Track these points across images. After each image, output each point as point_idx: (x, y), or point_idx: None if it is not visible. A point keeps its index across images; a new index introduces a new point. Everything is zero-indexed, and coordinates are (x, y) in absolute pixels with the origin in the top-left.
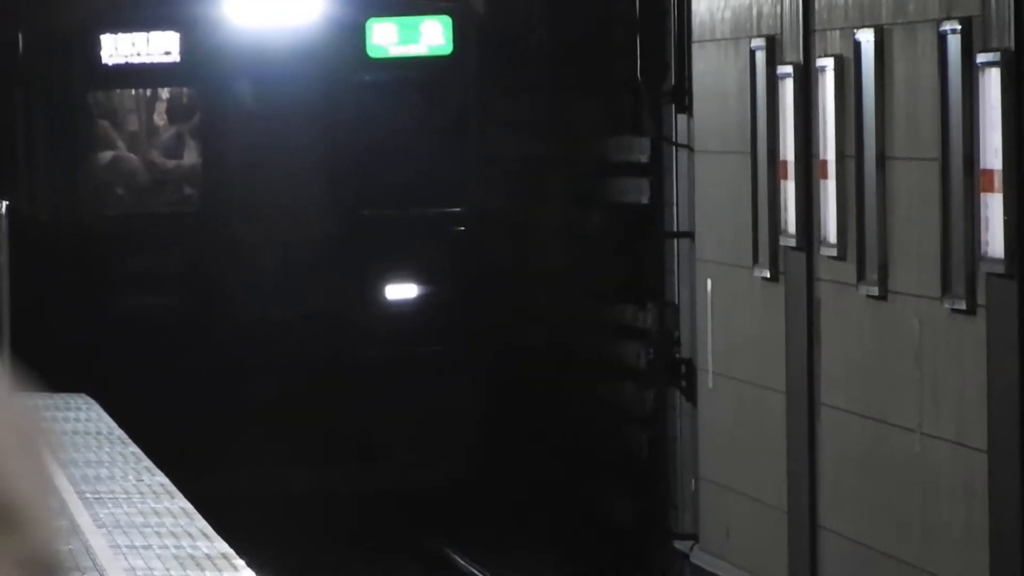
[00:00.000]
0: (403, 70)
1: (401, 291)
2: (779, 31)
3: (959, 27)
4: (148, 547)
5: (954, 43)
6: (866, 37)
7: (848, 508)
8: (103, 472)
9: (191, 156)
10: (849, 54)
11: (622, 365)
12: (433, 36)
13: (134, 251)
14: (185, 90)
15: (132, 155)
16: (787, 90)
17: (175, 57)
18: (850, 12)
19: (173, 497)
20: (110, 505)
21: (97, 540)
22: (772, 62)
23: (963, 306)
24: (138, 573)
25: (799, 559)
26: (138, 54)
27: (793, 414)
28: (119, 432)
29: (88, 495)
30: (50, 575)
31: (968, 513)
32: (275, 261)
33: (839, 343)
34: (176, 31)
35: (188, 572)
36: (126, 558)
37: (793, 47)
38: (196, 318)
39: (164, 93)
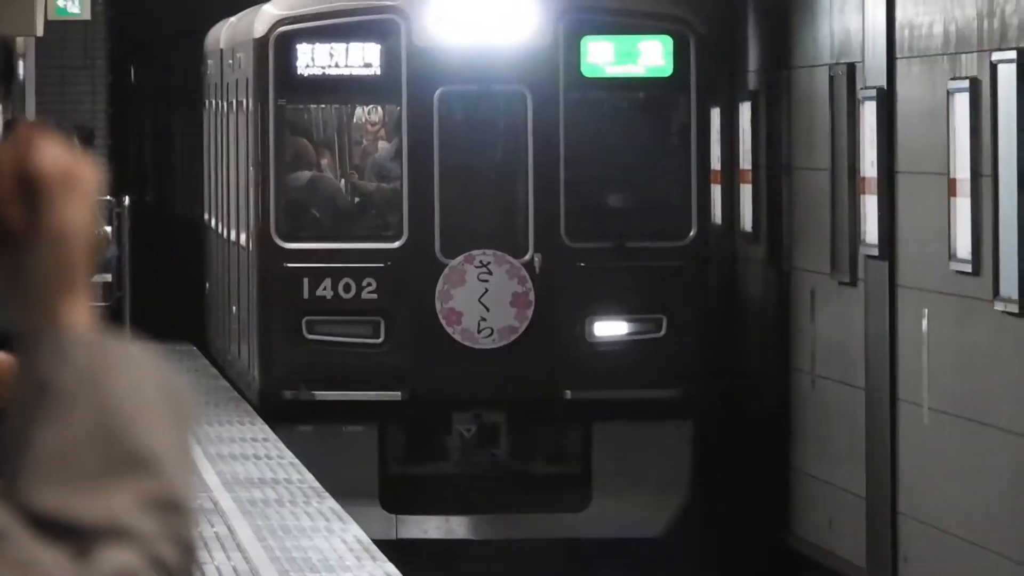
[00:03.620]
0: (619, 91)
1: (611, 328)
2: None
3: None
4: (234, 457)
5: None
6: None
7: None
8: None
9: (394, 178)
10: None
11: None
12: (652, 57)
13: (331, 278)
14: (387, 106)
15: (330, 176)
16: None
17: (375, 70)
18: None
19: (254, 423)
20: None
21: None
22: None
23: None
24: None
25: None
26: (336, 65)
27: None
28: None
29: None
30: (184, 518)
31: None
32: (478, 293)
33: None
34: (376, 42)
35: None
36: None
37: None
38: (396, 353)
39: (364, 109)
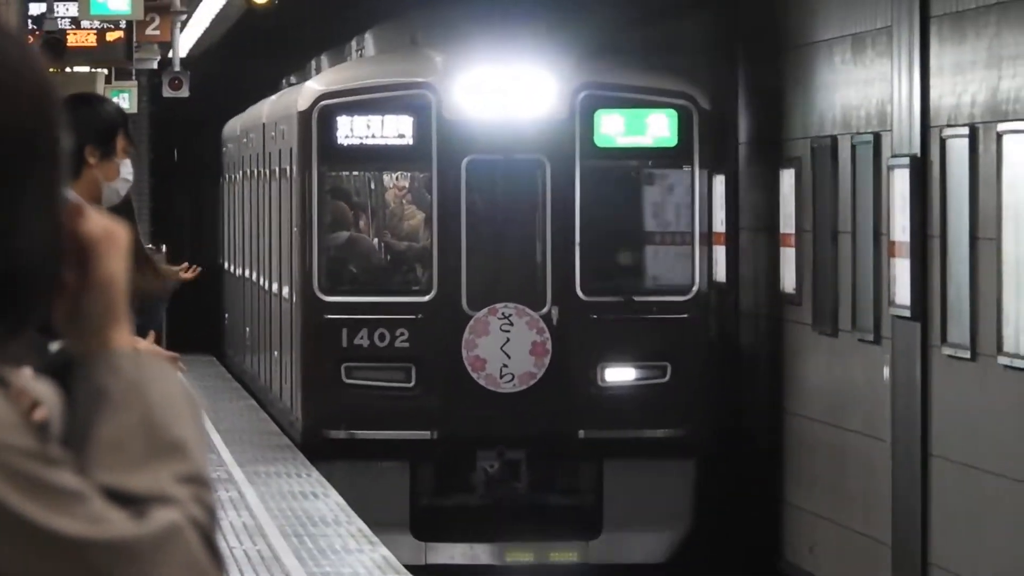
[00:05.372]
0: (629, 159)
1: (620, 374)
2: None
3: None
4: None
5: None
6: None
7: None
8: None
9: (424, 238)
10: None
11: None
12: (659, 128)
13: (367, 328)
14: (418, 173)
15: (365, 236)
16: None
17: (408, 140)
18: None
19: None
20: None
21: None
22: None
23: None
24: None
25: None
26: (372, 136)
27: None
28: (235, 384)
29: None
30: (207, 489)
31: None
32: (501, 342)
33: None
34: (409, 115)
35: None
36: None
37: None
38: (427, 396)
39: (397, 176)
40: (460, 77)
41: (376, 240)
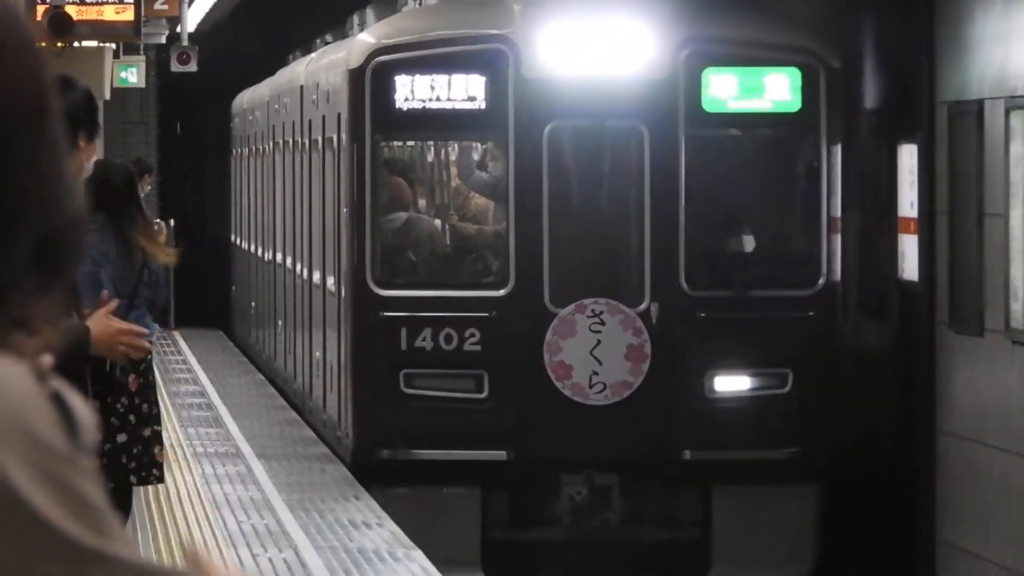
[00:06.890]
0: (743, 127)
1: (732, 383)
2: None
3: None
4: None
5: None
6: None
7: None
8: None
9: (499, 220)
10: None
11: None
12: (779, 90)
13: (431, 328)
14: (491, 143)
15: (427, 217)
16: None
17: (480, 104)
18: None
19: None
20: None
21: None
22: None
23: None
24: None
25: None
26: (437, 98)
27: None
28: (243, 359)
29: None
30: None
31: None
32: (590, 345)
33: None
34: (482, 74)
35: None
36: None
37: None
38: (501, 409)
39: (466, 145)
40: (542, 29)
41: (440, 222)
